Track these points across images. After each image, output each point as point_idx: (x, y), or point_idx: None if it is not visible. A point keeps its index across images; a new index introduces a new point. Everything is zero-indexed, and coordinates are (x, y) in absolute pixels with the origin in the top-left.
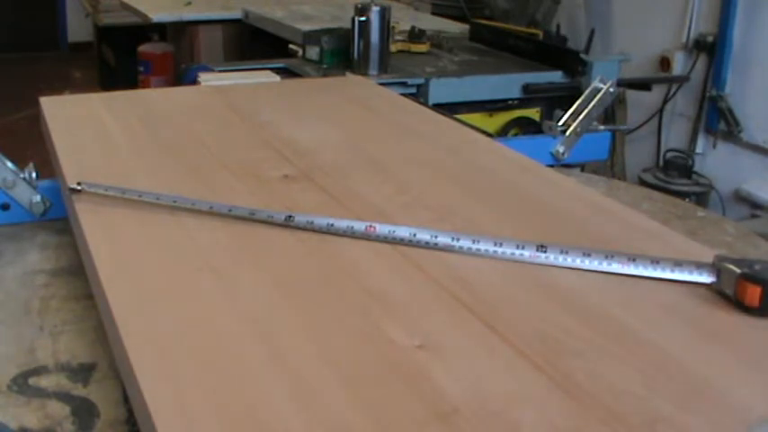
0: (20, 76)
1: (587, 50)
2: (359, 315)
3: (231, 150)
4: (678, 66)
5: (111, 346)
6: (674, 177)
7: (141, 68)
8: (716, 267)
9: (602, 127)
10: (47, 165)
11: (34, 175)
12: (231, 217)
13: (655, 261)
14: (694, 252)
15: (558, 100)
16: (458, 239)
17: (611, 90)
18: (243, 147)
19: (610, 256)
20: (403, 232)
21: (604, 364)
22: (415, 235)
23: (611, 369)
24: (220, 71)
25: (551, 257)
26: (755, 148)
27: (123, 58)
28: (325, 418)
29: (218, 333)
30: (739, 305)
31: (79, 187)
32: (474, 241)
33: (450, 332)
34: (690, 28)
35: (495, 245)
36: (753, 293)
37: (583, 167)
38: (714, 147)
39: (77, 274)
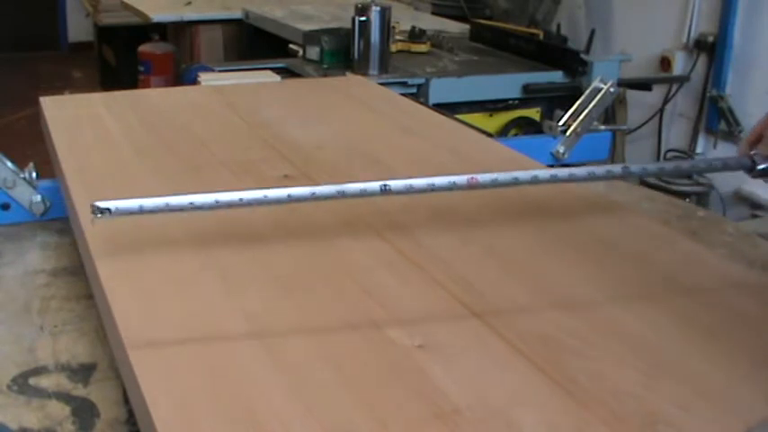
0: (20, 76)
1: (588, 50)
2: (359, 315)
3: (231, 150)
4: (678, 66)
5: (111, 346)
6: (675, 177)
7: (141, 68)
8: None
9: (602, 127)
10: (47, 165)
11: (34, 175)
12: (232, 214)
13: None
14: (696, 253)
15: (558, 100)
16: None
17: (612, 90)
18: (243, 147)
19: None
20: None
21: (604, 364)
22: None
23: (612, 369)
24: (220, 71)
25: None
26: None
27: (123, 58)
28: (324, 417)
29: (218, 333)
30: None
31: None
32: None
33: (451, 332)
34: (690, 28)
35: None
36: None
37: None
38: (714, 147)
39: (77, 274)
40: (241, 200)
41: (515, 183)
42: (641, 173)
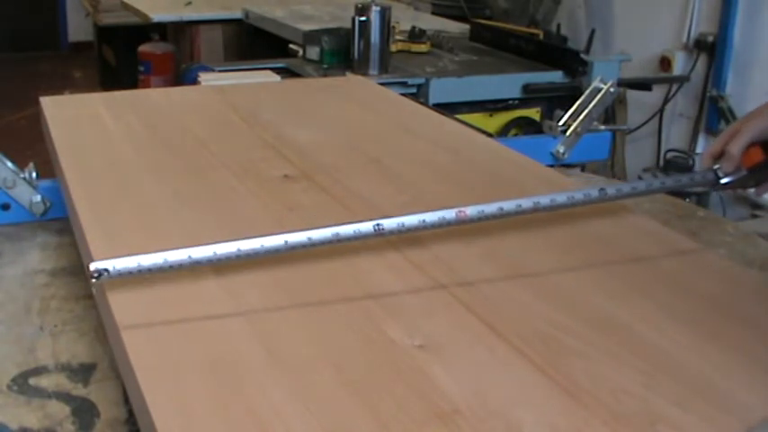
0: (20, 76)
1: (588, 50)
2: (359, 315)
3: (231, 150)
4: (678, 66)
5: (111, 345)
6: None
7: (141, 68)
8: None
9: (602, 127)
10: (47, 165)
11: (34, 175)
12: (233, 221)
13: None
14: (697, 253)
15: (558, 100)
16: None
17: (612, 90)
18: (243, 147)
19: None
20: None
21: (604, 364)
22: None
23: (612, 369)
24: (220, 71)
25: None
26: None
27: (123, 58)
28: (325, 417)
29: (219, 333)
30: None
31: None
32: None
33: (451, 332)
34: (690, 28)
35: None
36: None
37: (583, 167)
38: None
39: (77, 274)
40: (239, 250)
41: (501, 214)
42: (617, 194)
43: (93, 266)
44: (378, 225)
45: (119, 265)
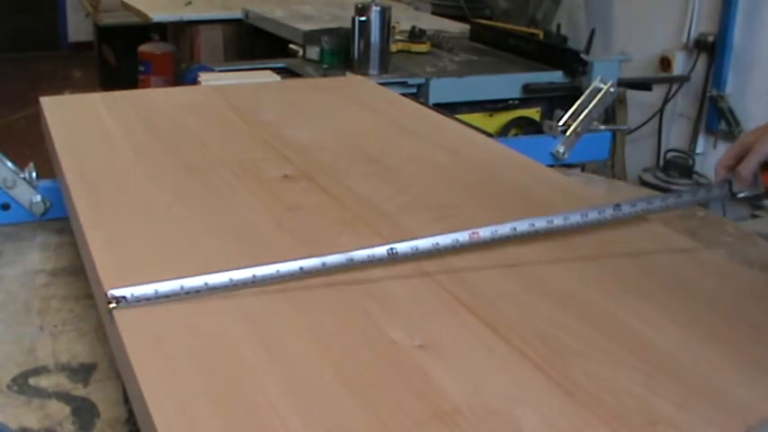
0: (20, 76)
1: (588, 50)
2: (359, 315)
3: (231, 150)
4: (678, 66)
5: (111, 345)
6: (675, 177)
7: (141, 68)
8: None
9: (602, 127)
10: (47, 165)
11: (34, 175)
12: (233, 221)
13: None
14: (697, 253)
15: (558, 100)
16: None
17: (612, 90)
18: (243, 147)
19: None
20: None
21: (604, 364)
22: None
23: (611, 369)
24: (221, 71)
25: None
26: None
27: (124, 58)
28: (325, 417)
29: (218, 333)
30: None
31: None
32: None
33: (451, 332)
34: (690, 28)
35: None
36: None
37: (583, 167)
38: (714, 147)
39: (77, 274)
40: (255, 276)
41: (514, 235)
42: (631, 211)
43: (110, 294)
44: (391, 249)
45: (136, 292)
